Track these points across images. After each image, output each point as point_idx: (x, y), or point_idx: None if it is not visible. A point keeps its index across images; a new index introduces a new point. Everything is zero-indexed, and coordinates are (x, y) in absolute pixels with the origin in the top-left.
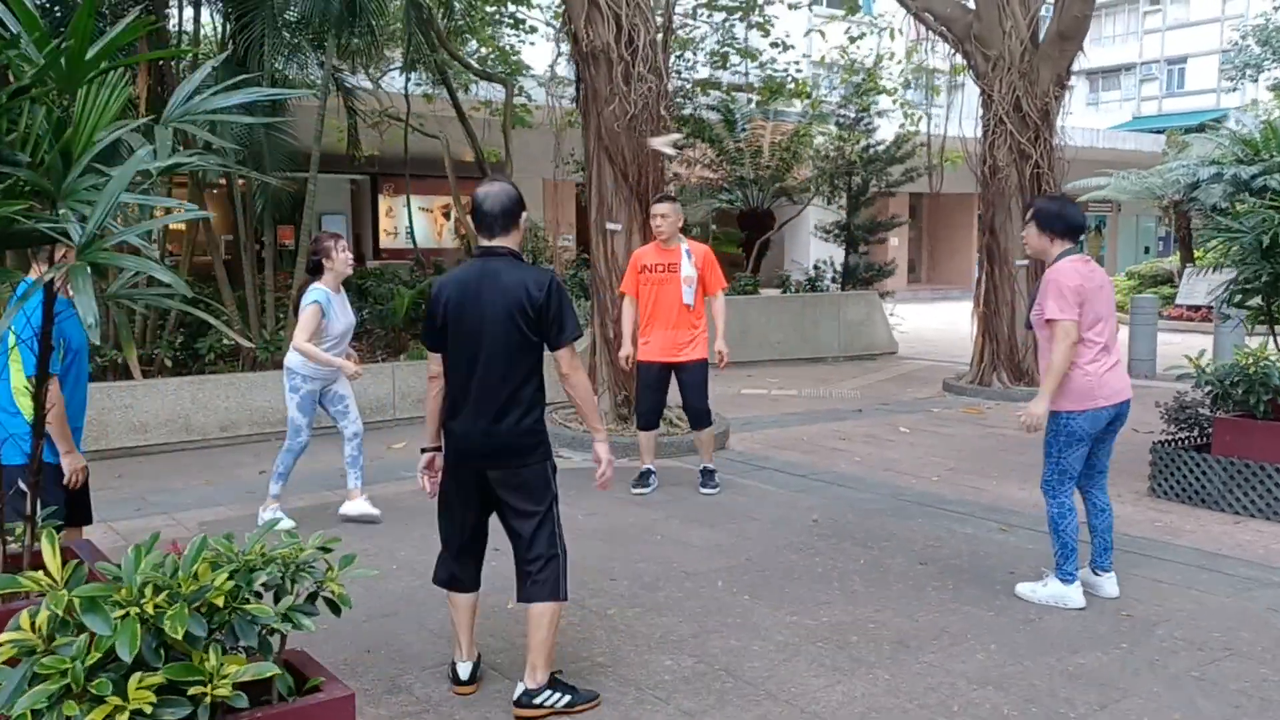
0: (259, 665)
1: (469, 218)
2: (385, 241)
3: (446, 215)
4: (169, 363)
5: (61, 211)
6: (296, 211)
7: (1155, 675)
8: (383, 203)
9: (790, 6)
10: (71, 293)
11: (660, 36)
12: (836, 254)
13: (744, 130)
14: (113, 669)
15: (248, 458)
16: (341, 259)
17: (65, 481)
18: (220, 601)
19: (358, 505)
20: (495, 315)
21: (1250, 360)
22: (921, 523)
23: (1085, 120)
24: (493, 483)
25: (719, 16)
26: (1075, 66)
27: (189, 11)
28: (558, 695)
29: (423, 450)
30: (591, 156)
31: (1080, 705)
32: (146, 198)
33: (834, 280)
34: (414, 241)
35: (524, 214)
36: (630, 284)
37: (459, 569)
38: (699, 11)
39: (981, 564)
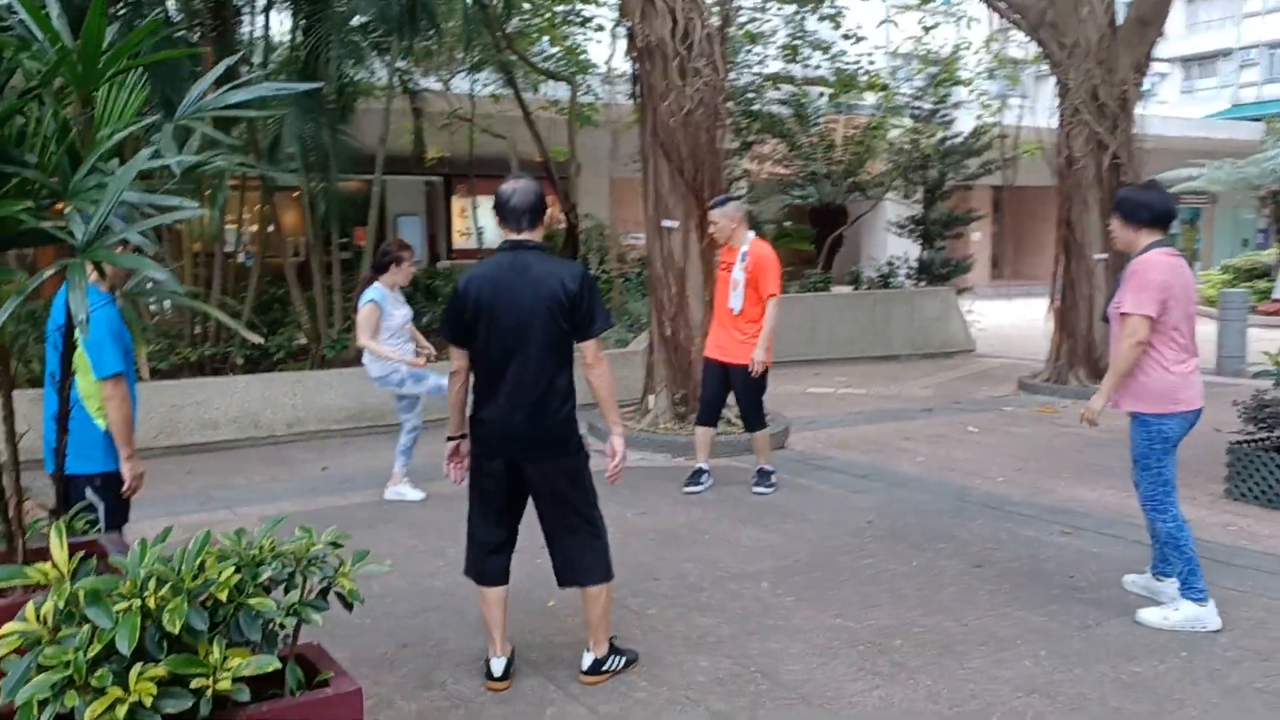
0: (260, 658)
1: (495, 212)
2: (459, 242)
3: None
4: (240, 360)
5: (68, 211)
6: (367, 213)
7: (1215, 685)
8: (456, 203)
9: None
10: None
11: (719, 31)
12: (913, 250)
13: (816, 124)
14: (116, 660)
15: (313, 454)
16: (406, 271)
17: (124, 489)
18: (224, 595)
19: (399, 489)
20: (532, 307)
21: None
22: (981, 524)
23: (1181, 109)
24: (532, 477)
25: (789, 9)
26: (1165, 53)
27: (260, 19)
28: (618, 659)
29: (449, 439)
30: (648, 153)
31: (1131, 716)
32: (149, 196)
33: (909, 276)
34: (480, 242)
35: (547, 209)
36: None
37: (488, 564)
38: (769, 5)
39: (1040, 568)
